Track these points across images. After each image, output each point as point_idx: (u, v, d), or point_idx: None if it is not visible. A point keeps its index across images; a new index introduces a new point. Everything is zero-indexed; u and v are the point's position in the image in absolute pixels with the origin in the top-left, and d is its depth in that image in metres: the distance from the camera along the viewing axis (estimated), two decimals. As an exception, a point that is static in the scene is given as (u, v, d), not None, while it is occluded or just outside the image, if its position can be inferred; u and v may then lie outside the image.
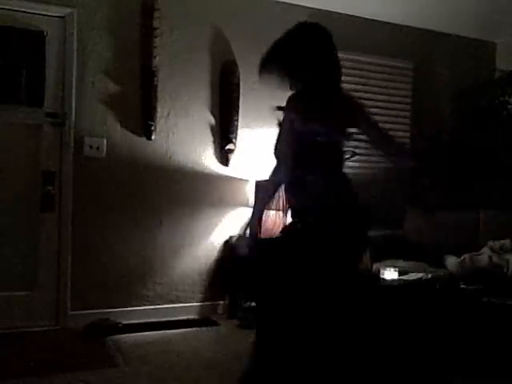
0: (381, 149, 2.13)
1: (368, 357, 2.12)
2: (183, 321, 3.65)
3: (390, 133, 2.18)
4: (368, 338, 2.14)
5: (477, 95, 4.39)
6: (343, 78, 2.16)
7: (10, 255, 3.35)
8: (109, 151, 3.54)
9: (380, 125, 2.16)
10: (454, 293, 3.13)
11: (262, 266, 2.05)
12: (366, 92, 4.15)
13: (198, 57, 3.78)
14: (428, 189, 4.30)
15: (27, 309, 3.36)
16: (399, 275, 3.23)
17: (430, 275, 3.30)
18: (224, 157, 3.84)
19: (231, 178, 3.87)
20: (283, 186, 2.19)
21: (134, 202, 3.61)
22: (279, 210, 3.76)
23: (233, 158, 3.85)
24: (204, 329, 3.56)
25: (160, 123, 3.67)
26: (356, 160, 2.27)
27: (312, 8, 4.04)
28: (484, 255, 3.43)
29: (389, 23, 4.35)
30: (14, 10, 3.29)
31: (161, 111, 3.66)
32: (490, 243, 3.58)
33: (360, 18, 4.25)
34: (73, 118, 3.43)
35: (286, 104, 2.06)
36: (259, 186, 2.43)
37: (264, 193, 2.35)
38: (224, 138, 3.82)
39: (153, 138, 3.62)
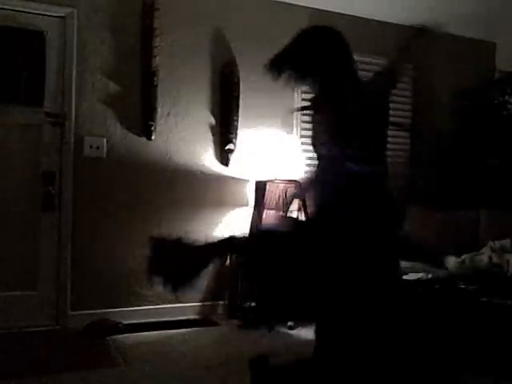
0: None
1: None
2: (183, 321, 3.65)
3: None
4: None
5: (477, 95, 4.39)
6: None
7: (10, 255, 3.35)
8: (109, 151, 3.54)
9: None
10: (454, 293, 3.12)
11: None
12: (365, 92, 4.15)
13: (198, 57, 3.78)
14: (428, 189, 4.30)
15: (27, 309, 3.36)
16: (399, 275, 3.23)
17: (429, 275, 3.30)
18: (224, 157, 3.84)
19: (231, 177, 3.87)
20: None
21: (134, 201, 3.61)
22: (279, 210, 3.77)
23: (233, 157, 3.85)
24: (204, 329, 3.56)
25: (160, 123, 3.67)
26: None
27: (312, 8, 4.04)
28: (484, 255, 3.43)
29: (388, 23, 4.35)
30: (14, 10, 3.30)
31: (161, 111, 3.66)
32: (490, 243, 3.58)
33: (359, 18, 4.25)
34: (73, 118, 3.43)
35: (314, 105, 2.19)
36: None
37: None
38: (224, 138, 3.82)
39: (153, 137, 3.62)
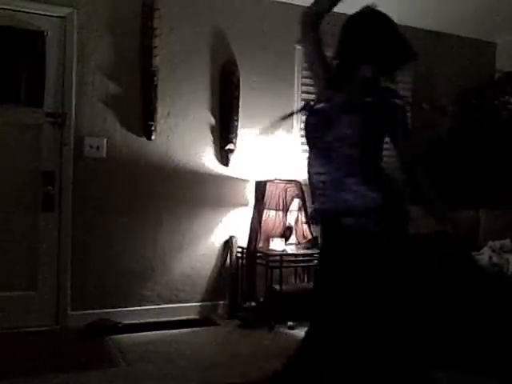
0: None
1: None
2: (183, 321, 3.65)
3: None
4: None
5: (477, 95, 4.39)
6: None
7: (10, 255, 3.35)
8: (109, 151, 3.54)
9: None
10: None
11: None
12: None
13: (197, 57, 3.78)
14: (428, 189, 4.29)
15: (27, 309, 3.36)
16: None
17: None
18: (224, 157, 3.84)
19: (231, 177, 3.88)
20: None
21: (134, 201, 3.61)
22: (279, 210, 3.77)
23: (233, 157, 3.85)
24: (204, 329, 3.56)
25: (160, 123, 3.67)
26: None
27: (312, 8, 4.03)
28: (484, 255, 3.43)
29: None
30: (14, 10, 3.29)
31: (161, 111, 3.66)
32: (490, 243, 3.58)
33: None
34: (73, 118, 3.43)
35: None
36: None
37: None
38: (224, 138, 3.82)
39: (153, 137, 3.62)
